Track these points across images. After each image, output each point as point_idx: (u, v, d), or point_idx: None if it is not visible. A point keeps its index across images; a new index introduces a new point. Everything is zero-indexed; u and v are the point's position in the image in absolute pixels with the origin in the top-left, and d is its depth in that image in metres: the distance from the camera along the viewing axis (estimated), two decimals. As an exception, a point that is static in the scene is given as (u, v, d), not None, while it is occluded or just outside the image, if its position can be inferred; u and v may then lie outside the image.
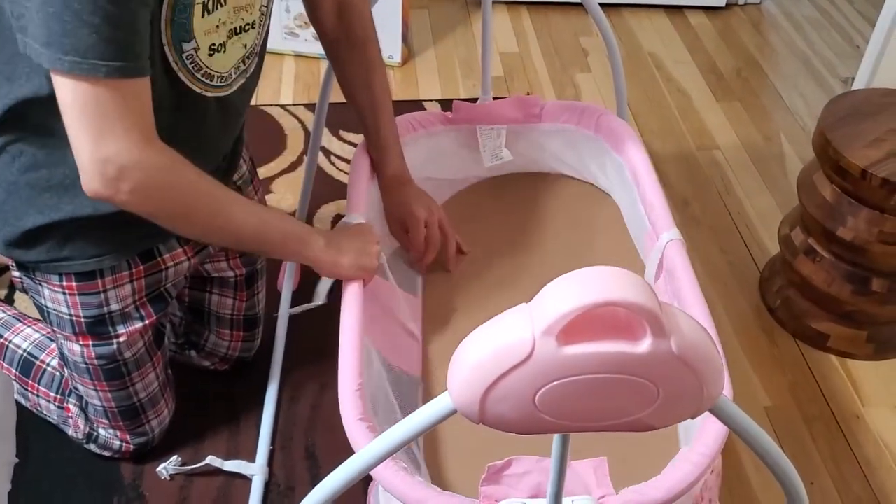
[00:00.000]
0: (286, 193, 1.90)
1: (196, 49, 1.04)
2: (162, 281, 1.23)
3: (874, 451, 1.45)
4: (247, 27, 1.12)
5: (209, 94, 1.11)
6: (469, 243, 1.46)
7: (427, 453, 1.14)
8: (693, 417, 0.60)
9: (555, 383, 0.56)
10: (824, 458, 1.44)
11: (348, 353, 1.03)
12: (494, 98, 1.61)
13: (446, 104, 2.12)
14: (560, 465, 0.68)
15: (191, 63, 1.05)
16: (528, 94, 2.27)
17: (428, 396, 1.25)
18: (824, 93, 2.32)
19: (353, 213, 1.26)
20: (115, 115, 0.91)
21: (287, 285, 1.64)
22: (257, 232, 1.09)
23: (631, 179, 1.40)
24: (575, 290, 0.54)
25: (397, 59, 2.33)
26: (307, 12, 1.33)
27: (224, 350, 1.46)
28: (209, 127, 1.17)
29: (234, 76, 1.14)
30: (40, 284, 1.17)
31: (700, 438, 0.92)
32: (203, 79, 1.08)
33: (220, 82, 1.12)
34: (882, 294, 1.52)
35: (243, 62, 1.15)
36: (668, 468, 0.90)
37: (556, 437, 0.68)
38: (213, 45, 1.07)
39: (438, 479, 1.09)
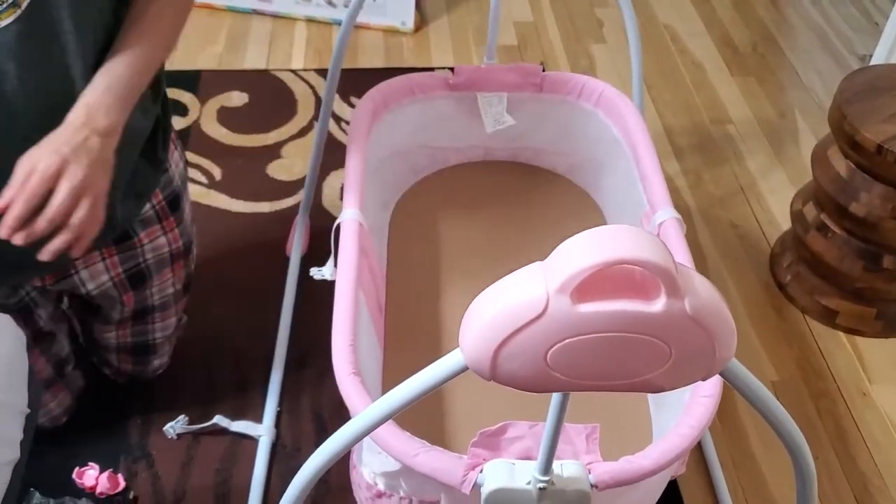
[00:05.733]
0: (296, 159, 1.90)
1: None
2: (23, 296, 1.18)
3: (880, 427, 1.45)
4: None
5: None
6: (440, 227, 1.46)
7: (429, 422, 1.15)
8: (704, 379, 0.60)
9: (567, 341, 0.55)
10: (830, 433, 1.44)
11: (343, 307, 1.04)
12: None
13: (459, 72, 2.10)
14: (556, 425, 0.68)
15: None
16: (542, 64, 2.26)
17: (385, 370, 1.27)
18: (841, 69, 2.29)
19: (350, 193, 1.24)
20: None
21: (296, 250, 1.64)
22: None
23: (630, 156, 1.39)
24: (590, 248, 0.54)
25: (410, 25, 2.31)
26: None
27: (114, 367, 1.38)
28: None
29: None
30: None
31: (689, 412, 0.92)
32: None
33: None
34: (893, 271, 1.51)
35: None
36: (658, 440, 0.90)
37: (555, 396, 0.67)
38: None
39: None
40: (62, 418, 1.33)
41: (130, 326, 1.31)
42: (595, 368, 0.58)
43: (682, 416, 0.91)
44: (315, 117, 2.00)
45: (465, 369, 0.61)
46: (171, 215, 1.24)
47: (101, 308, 1.27)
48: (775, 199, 1.89)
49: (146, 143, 1.15)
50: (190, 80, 2.09)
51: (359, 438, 0.70)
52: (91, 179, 0.92)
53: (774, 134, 2.08)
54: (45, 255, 0.90)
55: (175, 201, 1.24)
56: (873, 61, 2.10)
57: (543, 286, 0.54)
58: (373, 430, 0.69)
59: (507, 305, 0.56)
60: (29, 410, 0.87)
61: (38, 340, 1.24)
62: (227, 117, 1.99)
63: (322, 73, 2.11)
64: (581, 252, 0.54)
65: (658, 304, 0.54)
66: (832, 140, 1.52)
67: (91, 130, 0.94)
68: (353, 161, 1.31)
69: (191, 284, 1.38)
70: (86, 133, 0.93)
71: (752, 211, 1.86)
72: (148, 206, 1.21)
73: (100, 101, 0.97)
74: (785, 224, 1.80)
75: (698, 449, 1.39)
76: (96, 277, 1.22)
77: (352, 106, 2.05)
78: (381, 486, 0.95)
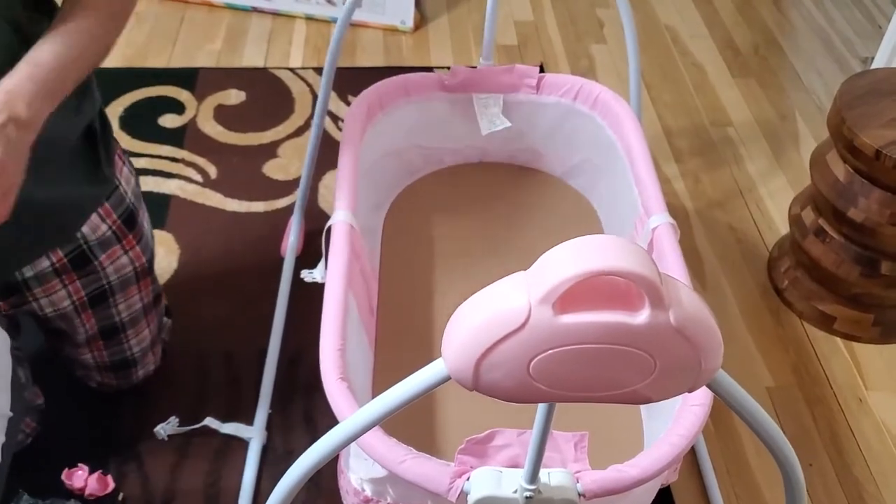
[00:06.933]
0: (293, 158, 1.89)
1: None
2: None
3: (875, 434, 1.44)
4: None
5: None
6: (434, 229, 1.45)
7: (416, 428, 1.14)
8: (690, 391, 0.59)
9: (550, 352, 0.54)
10: (825, 440, 1.43)
11: (332, 311, 1.03)
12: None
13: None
14: (542, 434, 0.68)
15: None
16: (542, 64, 2.25)
17: (376, 372, 1.26)
18: (843, 72, 2.28)
19: (341, 195, 1.24)
20: None
21: (290, 251, 1.63)
22: None
23: (626, 160, 1.38)
24: (573, 258, 0.53)
25: (409, 24, 2.30)
26: None
27: (97, 381, 1.36)
28: None
29: None
30: None
31: (679, 421, 0.91)
32: None
33: None
34: (890, 277, 1.50)
35: None
36: (648, 449, 0.89)
37: (540, 406, 0.67)
38: None
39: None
40: (26, 441, 1.29)
41: (105, 347, 1.29)
42: (578, 379, 0.57)
43: (671, 425, 0.91)
44: (312, 116, 1.99)
45: (447, 379, 0.60)
46: (129, 233, 1.22)
47: (63, 330, 1.24)
48: (774, 203, 1.88)
49: (86, 160, 1.11)
50: (187, 77, 2.08)
51: (343, 446, 0.69)
52: (4, 168, 0.86)
53: (775, 137, 2.07)
54: None
55: (130, 218, 1.22)
56: (875, 65, 2.09)
57: (526, 296, 0.54)
58: (356, 438, 0.68)
59: (488, 315, 0.55)
60: (11, 413, 0.87)
61: None
62: (224, 115, 1.99)
63: (320, 71, 2.10)
64: (564, 262, 0.53)
65: (642, 316, 0.53)
66: (831, 144, 1.51)
67: (8, 117, 0.86)
68: (345, 162, 1.30)
69: (161, 296, 1.37)
70: (3, 119, 0.86)
71: (751, 214, 1.85)
72: (104, 226, 1.18)
73: (20, 88, 0.88)
74: (783, 228, 1.78)
75: (692, 454, 1.38)
76: (57, 303, 1.20)
77: (349, 105, 2.04)
78: (368, 493, 0.94)
